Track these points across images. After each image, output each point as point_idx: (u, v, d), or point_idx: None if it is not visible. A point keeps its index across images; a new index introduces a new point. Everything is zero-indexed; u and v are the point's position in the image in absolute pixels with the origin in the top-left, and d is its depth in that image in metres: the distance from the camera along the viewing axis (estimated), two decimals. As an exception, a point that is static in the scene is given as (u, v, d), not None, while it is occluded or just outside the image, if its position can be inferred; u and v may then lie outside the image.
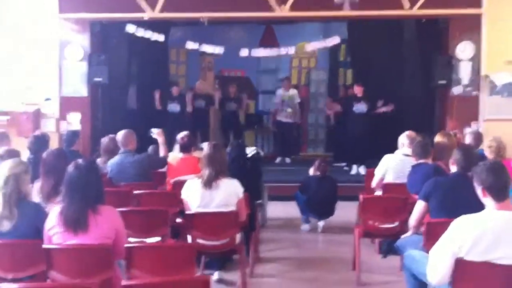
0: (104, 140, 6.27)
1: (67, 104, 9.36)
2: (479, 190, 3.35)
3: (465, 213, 3.31)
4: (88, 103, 9.46)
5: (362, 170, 9.50)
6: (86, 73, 9.33)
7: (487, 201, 3.30)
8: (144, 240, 4.55)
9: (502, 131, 7.31)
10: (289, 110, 10.87)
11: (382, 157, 6.13)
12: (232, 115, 11.17)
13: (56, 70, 9.35)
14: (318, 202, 6.95)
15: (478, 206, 3.42)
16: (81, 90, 9.42)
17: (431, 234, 3.99)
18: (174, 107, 10.25)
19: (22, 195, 3.77)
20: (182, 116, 10.30)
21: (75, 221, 3.50)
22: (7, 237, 3.63)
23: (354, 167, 9.86)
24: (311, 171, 7.24)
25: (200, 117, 10.69)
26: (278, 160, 10.90)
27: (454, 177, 4.40)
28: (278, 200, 7.73)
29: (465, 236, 3.18)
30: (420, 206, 4.41)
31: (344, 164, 10.32)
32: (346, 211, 7.01)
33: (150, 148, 6.78)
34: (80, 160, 3.71)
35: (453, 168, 4.46)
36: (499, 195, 3.25)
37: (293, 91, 11.10)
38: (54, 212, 3.58)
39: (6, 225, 3.65)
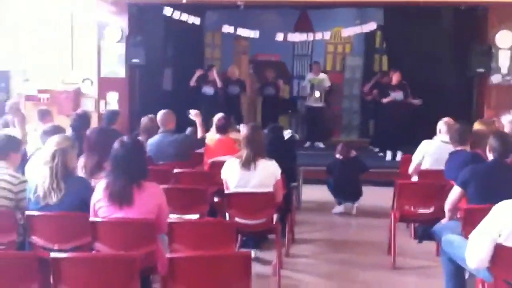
0: (144, 120, 6.38)
1: (105, 84, 9.53)
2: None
3: (504, 200, 3.32)
4: (125, 84, 9.61)
5: (398, 156, 9.49)
6: (123, 54, 9.47)
7: (529, 188, 3.30)
8: (183, 216, 4.66)
9: (541, 121, 7.19)
10: (317, 95, 10.86)
11: (418, 144, 6.12)
12: (271, 99, 11.18)
13: (95, 51, 9.51)
14: (342, 184, 7.07)
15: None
16: (119, 71, 9.57)
17: (469, 220, 4.00)
18: (208, 89, 10.32)
19: (69, 170, 3.89)
20: (216, 98, 10.38)
21: (120, 196, 3.60)
22: (54, 210, 3.76)
23: (389, 153, 9.83)
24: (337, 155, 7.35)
25: (232, 102, 10.69)
26: (307, 144, 10.93)
27: (492, 164, 4.38)
28: (311, 183, 7.75)
29: (505, 222, 3.19)
30: (456, 191, 4.41)
31: (377, 149, 10.29)
32: (379, 196, 7.03)
33: (189, 130, 6.88)
34: (125, 138, 3.82)
35: (490, 156, 4.44)
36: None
37: (323, 75, 11.09)
38: (100, 186, 3.69)
39: (54, 198, 3.77)
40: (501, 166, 4.32)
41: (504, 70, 8.92)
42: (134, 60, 9.43)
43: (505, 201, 3.26)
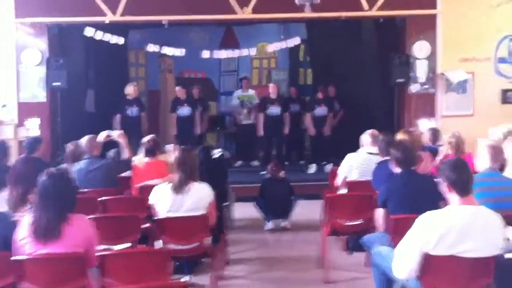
0: (70, 146, 6.15)
1: (25, 110, 9.17)
2: (444, 186, 3.46)
3: (422, 207, 3.47)
4: (47, 108, 9.26)
5: (328, 168, 9.65)
6: (44, 78, 9.14)
7: (452, 196, 3.41)
8: (113, 247, 4.52)
9: (458, 126, 7.51)
10: (245, 111, 10.88)
11: (344, 156, 6.23)
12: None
13: (13, 76, 9.15)
14: (274, 204, 7.12)
15: (432, 198, 3.71)
16: (40, 95, 9.24)
17: (397, 230, 4.11)
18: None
19: (-10, 206, 3.70)
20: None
21: (46, 230, 3.45)
22: (-26, 249, 3.56)
23: (313, 166, 9.99)
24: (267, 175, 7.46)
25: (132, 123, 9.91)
26: (239, 163, 10.89)
27: (403, 176, 4.54)
28: (244, 201, 7.73)
29: (432, 231, 3.28)
30: (380, 212, 4.54)
31: (302, 162, 10.43)
32: (308, 210, 7.13)
33: (112, 152, 6.67)
34: (53, 169, 3.66)
35: (397, 169, 4.59)
36: (463, 190, 3.37)
37: (251, 91, 11.14)
38: (25, 222, 3.52)
39: (-27, 237, 3.57)
40: (411, 176, 4.51)
41: (422, 79, 9.25)
42: (55, 83, 9.08)
43: (429, 211, 3.36)
